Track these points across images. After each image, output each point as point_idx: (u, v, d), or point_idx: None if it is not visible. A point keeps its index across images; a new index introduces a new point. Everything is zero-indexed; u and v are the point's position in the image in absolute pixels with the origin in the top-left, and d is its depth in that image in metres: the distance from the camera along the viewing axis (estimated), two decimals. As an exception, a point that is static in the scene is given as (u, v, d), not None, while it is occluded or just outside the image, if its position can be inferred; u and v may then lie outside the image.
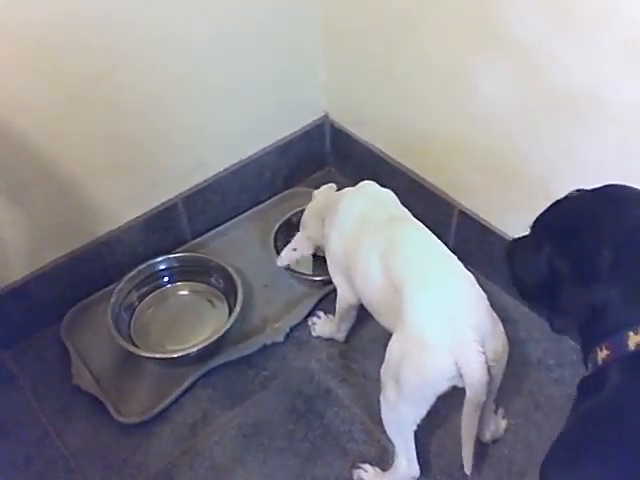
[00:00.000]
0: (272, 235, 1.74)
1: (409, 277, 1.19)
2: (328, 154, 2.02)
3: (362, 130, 1.87)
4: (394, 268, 1.22)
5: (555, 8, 1.22)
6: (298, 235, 1.60)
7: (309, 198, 1.85)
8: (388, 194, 1.44)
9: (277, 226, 1.76)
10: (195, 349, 1.48)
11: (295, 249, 1.59)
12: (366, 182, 1.49)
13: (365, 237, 1.31)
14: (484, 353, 1.11)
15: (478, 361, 1.10)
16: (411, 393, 1.19)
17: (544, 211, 1.02)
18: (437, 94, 1.56)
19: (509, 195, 1.53)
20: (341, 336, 1.57)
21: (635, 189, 0.94)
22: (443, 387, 1.15)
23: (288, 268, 1.66)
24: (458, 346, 1.10)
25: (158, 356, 1.51)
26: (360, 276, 1.31)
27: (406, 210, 1.39)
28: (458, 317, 1.13)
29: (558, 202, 1.01)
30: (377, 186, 1.47)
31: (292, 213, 1.78)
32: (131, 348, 1.49)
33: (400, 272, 1.21)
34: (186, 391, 1.49)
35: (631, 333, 0.83)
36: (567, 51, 1.24)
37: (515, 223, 1.56)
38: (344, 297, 1.45)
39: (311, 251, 1.60)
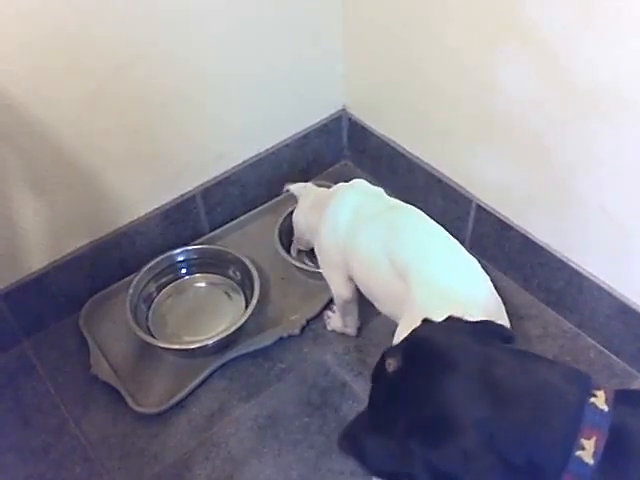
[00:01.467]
0: (276, 229, 1.75)
1: (414, 262, 1.20)
2: (345, 148, 2.02)
3: (379, 124, 1.87)
4: (398, 254, 1.23)
5: (580, 1, 1.21)
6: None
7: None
8: (379, 190, 1.46)
9: (281, 219, 1.77)
10: (212, 341, 1.49)
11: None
12: (356, 180, 1.50)
13: (363, 226, 1.32)
14: None
15: None
16: None
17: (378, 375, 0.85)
18: (457, 88, 1.55)
19: (528, 190, 1.53)
20: (350, 330, 1.57)
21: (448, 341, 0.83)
22: None
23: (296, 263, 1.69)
24: None
25: (175, 347, 1.52)
26: (361, 266, 1.32)
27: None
28: (463, 300, 1.13)
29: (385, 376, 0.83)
30: (367, 184, 1.48)
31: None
32: (149, 339, 1.51)
33: (404, 258, 1.21)
34: (203, 382, 1.50)
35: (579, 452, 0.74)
36: (591, 46, 1.23)
37: (533, 219, 1.56)
38: (339, 293, 1.46)
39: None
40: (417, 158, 1.78)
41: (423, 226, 1.29)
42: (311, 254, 1.67)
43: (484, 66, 1.45)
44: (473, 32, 1.43)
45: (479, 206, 1.67)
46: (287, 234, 1.76)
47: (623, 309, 1.45)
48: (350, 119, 1.94)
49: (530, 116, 1.42)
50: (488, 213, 1.65)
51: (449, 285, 1.15)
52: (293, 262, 1.69)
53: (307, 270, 1.69)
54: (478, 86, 1.49)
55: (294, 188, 1.66)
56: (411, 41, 1.60)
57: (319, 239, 1.44)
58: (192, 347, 1.50)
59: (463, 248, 1.24)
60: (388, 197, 1.43)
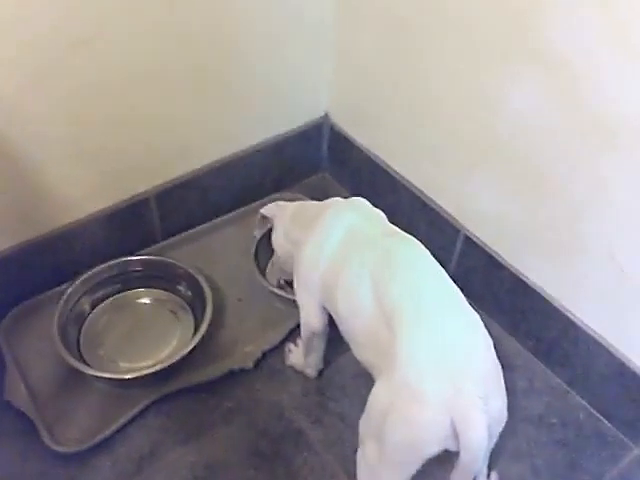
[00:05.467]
0: (253, 247, 1.54)
1: (405, 310, 1.00)
2: (324, 158, 1.83)
3: (364, 136, 1.68)
4: (388, 294, 1.03)
5: (608, 25, 1.03)
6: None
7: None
8: (379, 213, 1.26)
9: (259, 236, 1.55)
10: (150, 371, 1.28)
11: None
12: (356, 198, 1.31)
13: (354, 252, 1.12)
14: (486, 412, 0.92)
15: (479, 421, 0.91)
16: (395, 454, 0.99)
17: None
18: (455, 105, 1.37)
19: (526, 227, 1.34)
20: (310, 371, 1.37)
21: None
22: (434, 450, 0.95)
23: (268, 285, 1.48)
24: (457, 401, 0.92)
25: (106, 376, 1.30)
26: (345, 297, 1.11)
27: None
28: (459, 366, 0.94)
29: None
30: (368, 204, 1.28)
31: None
32: (76, 364, 1.29)
33: (395, 301, 1.01)
34: (135, 418, 1.29)
35: None
36: (618, 76, 1.05)
37: (528, 259, 1.38)
38: (308, 322, 1.25)
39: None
40: (402, 177, 1.60)
41: (421, 264, 1.09)
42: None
43: (489, 84, 1.27)
44: (480, 45, 1.25)
45: (468, 238, 1.48)
46: (265, 252, 1.55)
47: (621, 369, 1.28)
48: (332, 127, 1.75)
49: (537, 145, 1.24)
50: (477, 247, 1.47)
51: (443, 344, 0.96)
52: (272, 289, 1.49)
53: (284, 297, 1.47)
54: (480, 106, 1.31)
55: (265, 211, 1.44)
56: (408, 47, 1.41)
57: (300, 254, 1.24)
58: (126, 377, 1.29)
59: (464, 299, 1.04)
60: (389, 223, 1.23)
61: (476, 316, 1.03)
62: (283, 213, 1.37)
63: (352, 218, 1.20)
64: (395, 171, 1.61)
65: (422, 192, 1.56)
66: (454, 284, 1.07)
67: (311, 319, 1.24)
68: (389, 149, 1.62)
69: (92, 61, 1.27)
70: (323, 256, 1.17)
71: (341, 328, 1.16)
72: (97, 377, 1.31)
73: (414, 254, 1.10)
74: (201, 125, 1.53)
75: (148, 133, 1.45)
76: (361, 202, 1.27)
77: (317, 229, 1.21)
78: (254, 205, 1.71)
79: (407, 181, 1.58)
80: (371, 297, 1.05)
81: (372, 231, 1.16)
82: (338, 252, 1.15)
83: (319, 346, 1.31)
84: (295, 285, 1.27)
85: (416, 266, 1.08)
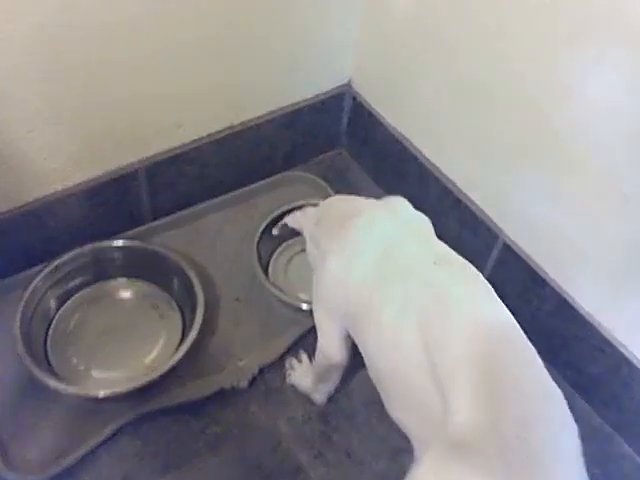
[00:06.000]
0: (257, 235, 1.33)
1: (465, 375, 0.77)
2: (343, 133, 1.59)
3: (391, 112, 1.44)
4: (440, 349, 0.80)
5: None
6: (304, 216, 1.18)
7: (312, 187, 1.45)
8: (424, 220, 1.04)
9: (264, 224, 1.33)
10: (125, 389, 1.08)
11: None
12: (396, 197, 1.08)
13: (394, 279, 0.90)
14: None
15: None
16: None
17: None
18: (507, 83, 1.12)
19: (584, 244, 1.12)
20: (319, 397, 1.16)
21: None
22: None
23: (269, 284, 1.27)
24: None
25: (71, 391, 1.10)
26: (379, 334, 0.89)
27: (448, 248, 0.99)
28: (539, 454, 0.72)
29: None
30: (410, 205, 1.05)
31: (288, 207, 1.34)
32: (39, 374, 1.09)
33: (450, 361, 0.79)
34: (107, 440, 1.10)
35: None
36: None
37: (580, 280, 1.17)
38: (326, 351, 1.04)
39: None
40: (433, 165, 1.37)
41: (487, 311, 0.86)
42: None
43: (558, 64, 1.02)
44: (546, 13, 1.00)
45: (507, 245, 1.26)
46: (267, 243, 1.34)
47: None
48: (355, 99, 1.50)
49: (614, 146, 1.00)
50: (517, 257, 1.25)
51: (521, 435, 0.72)
52: (275, 292, 1.27)
53: (289, 304, 1.26)
54: (543, 90, 1.07)
55: (291, 221, 1.19)
56: (457, 6, 1.15)
57: (322, 267, 1.02)
58: (100, 396, 1.09)
59: (543, 365, 0.82)
60: (432, 234, 1.01)
61: (558, 391, 0.80)
62: (310, 221, 1.13)
63: (391, 230, 0.97)
64: (425, 157, 1.38)
65: (455, 185, 1.33)
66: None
67: (330, 349, 1.03)
68: (420, 130, 1.38)
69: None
70: (352, 276, 0.95)
71: (370, 367, 0.94)
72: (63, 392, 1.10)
73: (475, 295, 0.87)
74: (202, 89, 1.30)
75: (139, 93, 1.22)
76: (401, 205, 1.04)
77: (346, 240, 0.99)
78: (260, 184, 1.50)
79: (439, 171, 1.35)
80: (417, 346, 0.82)
81: (418, 251, 0.94)
82: (372, 275, 0.93)
83: (335, 378, 1.10)
84: (314, 303, 1.05)
85: (479, 314, 0.84)
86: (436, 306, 0.84)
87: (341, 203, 1.13)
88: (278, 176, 1.52)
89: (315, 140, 1.56)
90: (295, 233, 1.21)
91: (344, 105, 1.53)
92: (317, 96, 1.48)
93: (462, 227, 1.34)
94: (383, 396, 0.92)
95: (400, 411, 0.88)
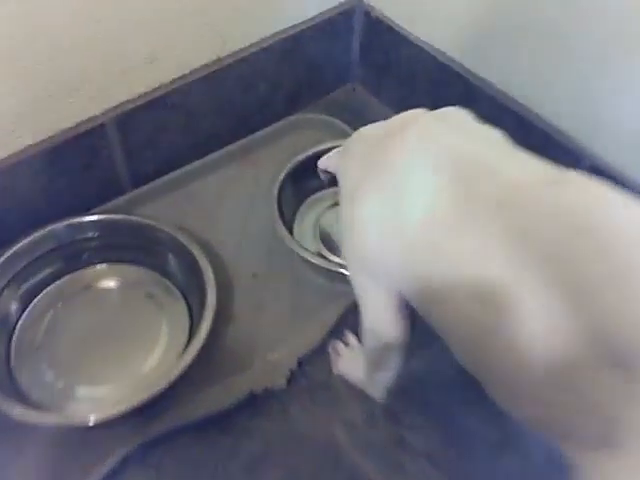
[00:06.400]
0: (276, 190, 1.04)
1: None
2: (355, 61, 1.29)
3: (421, 22, 1.15)
4: (625, 328, 0.52)
5: None
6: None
7: (327, 131, 1.19)
8: (500, 134, 0.74)
9: (282, 176, 1.05)
10: (123, 409, 0.78)
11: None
12: (453, 107, 0.79)
13: (491, 213, 0.61)
14: None
15: None
16: None
17: None
18: None
19: None
20: (376, 391, 0.87)
21: None
22: None
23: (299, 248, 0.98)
24: None
25: (50, 421, 0.80)
26: (476, 307, 0.61)
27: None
28: None
29: None
30: (472, 118, 0.76)
31: (307, 154, 1.06)
32: (1, 402, 0.78)
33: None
34: (114, 473, 0.81)
35: None
36: None
37: None
38: (374, 326, 0.76)
39: None
40: (483, 81, 1.08)
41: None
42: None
43: None
44: None
45: (594, 167, 0.98)
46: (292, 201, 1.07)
47: None
48: (369, 13, 1.21)
49: None
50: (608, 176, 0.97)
51: None
52: (306, 255, 0.97)
53: (326, 269, 0.97)
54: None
55: (323, 164, 0.88)
56: None
57: (353, 207, 0.73)
58: (90, 424, 0.78)
59: None
60: (527, 155, 0.70)
61: None
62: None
63: (460, 145, 0.68)
64: (471, 73, 1.09)
65: (523, 106, 1.03)
66: None
67: (380, 324, 0.74)
68: (459, 39, 1.09)
69: None
70: (410, 215, 0.66)
71: (461, 350, 0.65)
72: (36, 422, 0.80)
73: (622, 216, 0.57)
74: (178, 8, 1.00)
75: (95, 18, 0.92)
76: (465, 116, 0.75)
77: (392, 165, 0.69)
78: (261, 134, 1.22)
79: (490, 86, 1.07)
80: (562, 308, 0.54)
81: (515, 171, 0.64)
82: (445, 211, 0.64)
83: (395, 362, 0.80)
84: (349, 267, 0.77)
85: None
86: (584, 241, 0.55)
87: (375, 126, 0.83)
88: (281, 122, 1.23)
89: (320, 74, 1.27)
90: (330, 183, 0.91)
91: (354, 24, 1.24)
92: (320, 15, 1.19)
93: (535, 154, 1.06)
94: (493, 389, 0.63)
95: (535, 407, 0.59)
